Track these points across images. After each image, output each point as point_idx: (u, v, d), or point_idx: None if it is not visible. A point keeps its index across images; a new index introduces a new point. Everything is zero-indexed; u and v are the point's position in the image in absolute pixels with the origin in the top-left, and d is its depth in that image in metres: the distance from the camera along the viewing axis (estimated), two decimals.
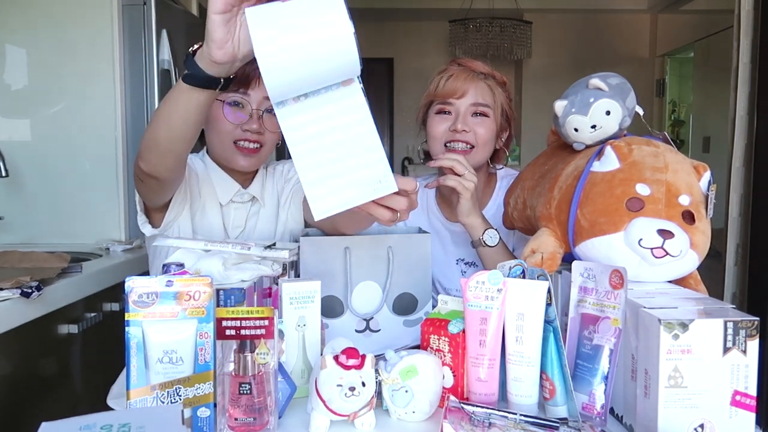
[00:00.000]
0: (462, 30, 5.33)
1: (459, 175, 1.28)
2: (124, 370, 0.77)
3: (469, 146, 1.38)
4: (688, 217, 0.92)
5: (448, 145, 1.39)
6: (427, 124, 1.43)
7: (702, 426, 0.74)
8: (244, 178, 1.38)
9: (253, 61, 1.19)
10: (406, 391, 0.84)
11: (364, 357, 0.81)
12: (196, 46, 0.89)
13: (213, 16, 0.80)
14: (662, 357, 0.73)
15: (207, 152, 1.38)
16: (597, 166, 0.97)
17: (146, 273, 1.43)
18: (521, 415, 0.79)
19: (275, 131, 1.30)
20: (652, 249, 0.88)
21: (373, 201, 0.79)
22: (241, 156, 1.30)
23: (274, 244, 1.05)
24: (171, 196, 1.24)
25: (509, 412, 0.79)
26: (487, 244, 1.30)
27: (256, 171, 1.41)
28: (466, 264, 1.45)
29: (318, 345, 0.95)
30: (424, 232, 1.23)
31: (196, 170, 1.34)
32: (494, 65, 1.45)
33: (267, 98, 1.26)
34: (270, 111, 1.28)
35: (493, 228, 1.31)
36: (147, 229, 1.29)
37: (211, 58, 0.85)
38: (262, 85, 1.25)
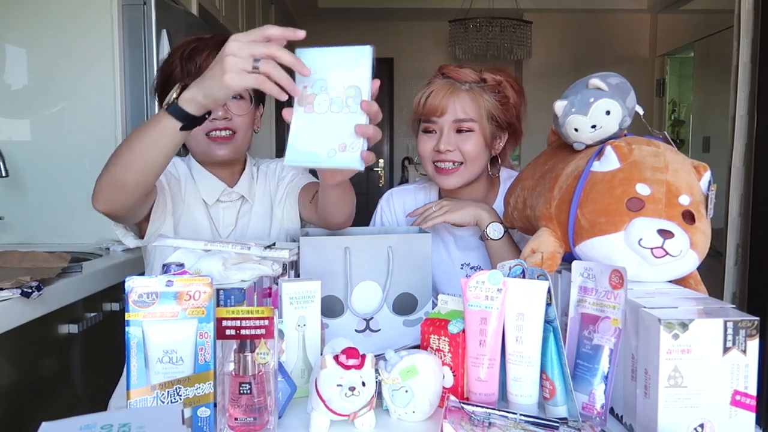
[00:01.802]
0: (462, 30, 5.32)
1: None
2: (124, 374, 0.77)
3: (456, 164, 1.36)
4: (688, 217, 0.92)
5: (436, 164, 1.37)
6: (417, 141, 1.42)
7: (702, 426, 0.74)
8: (230, 176, 1.38)
9: (202, 52, 1.23)
10: (406, 391, 0.84)
11: (364, 357, 0.81)
12: (174, 95, 0.94)
13: (226, 93, 0.88)
14: (662, 357, 0.73)
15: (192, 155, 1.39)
16: (597, 166, 0.97)
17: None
18: (521, 415, 0.79)
19: (242, 114, 1.30)
20: (652, 249, 0.88)
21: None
22: (216, 146, 1.29)
23: (273, 244, 1.05)
24: (142, 215, 1.24)
25: (509, 412, 0.79)
26: (490, 237, 1.30)
27: (243, 169, 1.40)
28: (471, 268, 1.44)
29: (318, 345, 0.95)
30: (424, 231, 1.23)
31: (177, 175, 1.35)
32: (494, 65, 1.43)
33: None
34: (233, 97, 1.29)
35: (498, 221, 1.31)
36: (129, 241, 1.28)
37: (206, 107, 0.92)
38: None
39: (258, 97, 1.36)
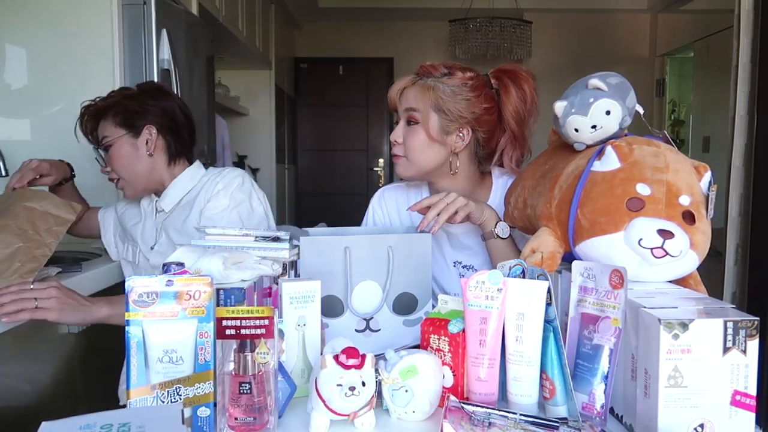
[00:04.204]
0: (462, 30, 5.32)
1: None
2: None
3: (399, 157, 1.39)
4: (689, 217, 0.92)
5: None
6: None
7: (702, 426, 0.74)
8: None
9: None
10: (406, 391, 0.84)
11: (364, 357, 0.81)
12: None
13: None
14: (662, 357, 0.73)
15: None
16: (597, 166, 0.97)
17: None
18: (521, 414, 0.79)
19: (116, 160, 1.50)
20: (652, 249, 0.88)
21: None
22: (121, 191, 1.56)
23: (277, 238, 1.05)
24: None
25: (509, 412, 0.79)
26: (499, 236, 1.28)
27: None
28: (463, 267, 1.44)
29: (318, 345, 0.95)
30: (424, 231, 1.23)
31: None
32: (494, 65, 1.41)
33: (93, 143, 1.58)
34: (99, 149, 1.52)
35: (503, 220, 1.30)
36: (112, 251, 1.66)
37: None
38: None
39: (128, 125, 1.49)
